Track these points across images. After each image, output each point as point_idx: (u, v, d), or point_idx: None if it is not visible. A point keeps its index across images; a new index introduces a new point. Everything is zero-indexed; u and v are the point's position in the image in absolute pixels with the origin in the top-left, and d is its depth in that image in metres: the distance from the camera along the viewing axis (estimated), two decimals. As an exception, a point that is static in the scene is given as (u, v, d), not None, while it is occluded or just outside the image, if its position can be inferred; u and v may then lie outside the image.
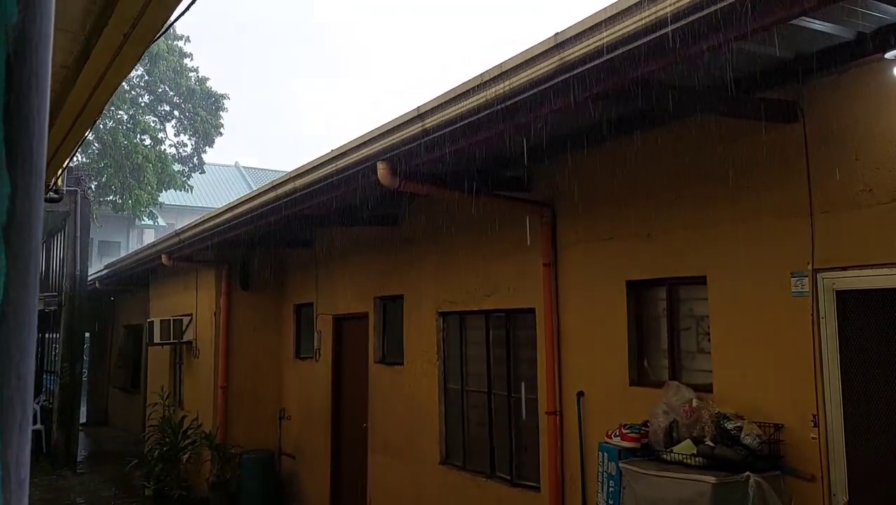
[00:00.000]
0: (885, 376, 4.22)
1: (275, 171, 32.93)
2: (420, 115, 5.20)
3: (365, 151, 5.96)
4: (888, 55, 3.96)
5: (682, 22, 3.33)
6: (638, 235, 5.68)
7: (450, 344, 8.01)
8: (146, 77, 24.23)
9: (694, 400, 4.95)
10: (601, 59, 3.75)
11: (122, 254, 23.47)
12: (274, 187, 7.62)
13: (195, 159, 26.16)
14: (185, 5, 2.67)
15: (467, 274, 7.56)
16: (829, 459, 4.39)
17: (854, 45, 4.08)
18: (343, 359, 10.28)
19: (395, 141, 5.55)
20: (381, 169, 5.77)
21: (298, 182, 7.04)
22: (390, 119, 5.62)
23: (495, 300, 7.18)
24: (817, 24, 3.84)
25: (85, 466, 14.37)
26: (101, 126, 21.62)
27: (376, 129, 5.86)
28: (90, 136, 16.24)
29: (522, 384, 6.94)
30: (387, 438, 8.94)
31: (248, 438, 11.23)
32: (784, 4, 3.06)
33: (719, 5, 3.15)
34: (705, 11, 3.22)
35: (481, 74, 4.59)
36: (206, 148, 26.09)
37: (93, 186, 21.34)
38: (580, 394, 6.13)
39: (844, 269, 4.37)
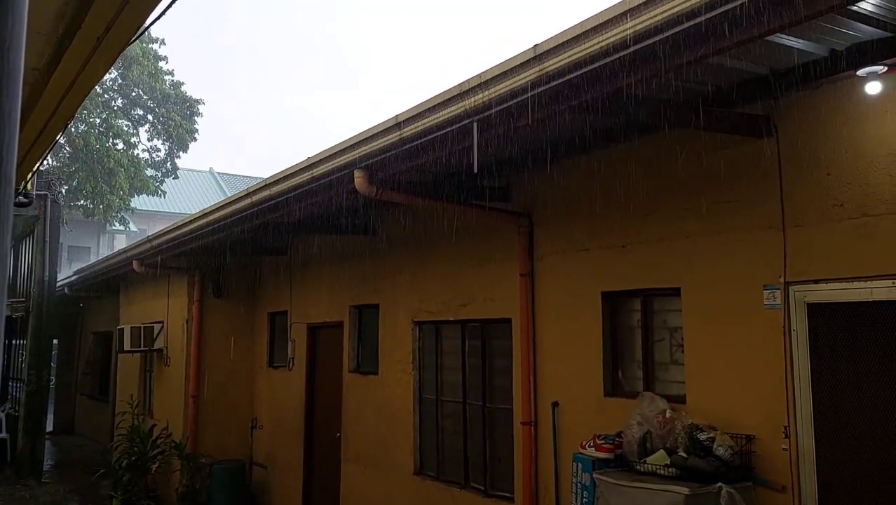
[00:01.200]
0: (855, 389, 4.28)
1: (252, 177, 32.72)
2: (398, 123, 5.19)
3: (342, 159, 5.93)
4: (860, 72, 4.03)
5: (660, 36, 3.36)
6: (614, 247, 5.71)
7: (425, 353, 7.99)
8: (120, 80, 23.99)
9: (667, 411, 4.98)
10: (580, 71, 3.77)
11: (93, 259, 23.16)
12: (249, 194, 7.56)
13: (168, 164, 25.92)
14: (162, 9, 2.64)
15: (443, 283, 7.55)
16: (799, 470, 4.44)
17: (827, 62, 4.14)
18: (317, 368, 10.19)
19: (372, 149, 5.53)
20: (358, 177, 5.74)
21: (274, 189, 6.98)
22: (368, 127, 5.60)
23: (471, 310, 7.17)
24: (791, 41, 3.90)
25: (51, 475, 14.08)
26: (73, 129, 21.33)
27: (354, 136, 5.83)
28: (61, 139, 16.02)
29: (498, 394, 6.93)
30: (360, 447, 8.87)
31: (218, 447, 11.08)
32: (760, 22, 3.10)
33: (696, 21, 3.19)
34: (683, 26, 3.26)
35: (460, 84, 4.59)
36: (180, 153, 25.87)
37: (63, 191, 21.03)
38: (555, 404, 6.14)
39: (816, 282, 4.43)
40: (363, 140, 5.64)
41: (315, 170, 6.32)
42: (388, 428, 8.30)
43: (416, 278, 7.99)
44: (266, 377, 11.34)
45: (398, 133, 5.20)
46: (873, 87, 4.09)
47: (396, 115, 5.25)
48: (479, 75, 4.42)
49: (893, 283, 4.05)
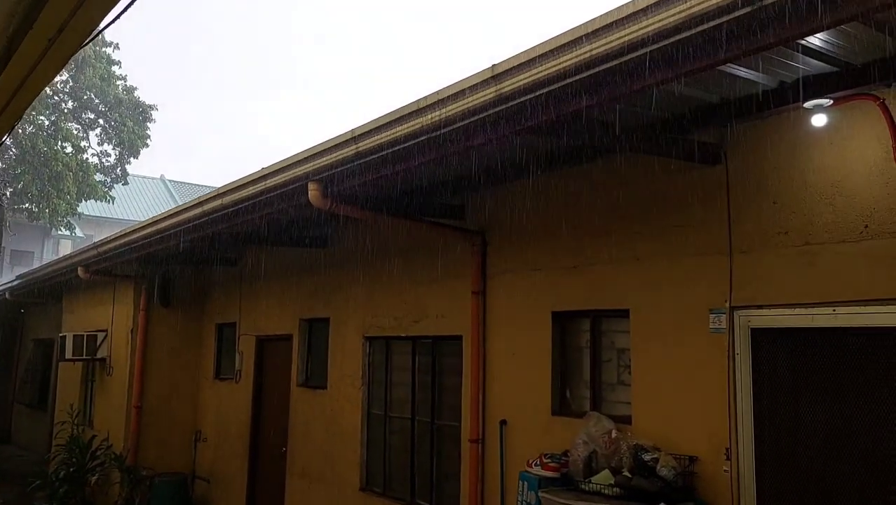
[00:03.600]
0: (795, 413, 4.38)
1: (204, 185, 32.23)
2: (354, 137, 5.17)
3: (296, 171, 5.88)
4: (807, 105, 4.16)
5: (615, 62, 3.42)
6: (565, 267, 5.77)
7: (375, 369, 7.93)
8: (71, 83, 23.43)
9: (613, 431, 5.02)
10: (536, 94, 3.81)
11: (36, 264, 22.47)
12: (200, 203, 7.43)
13: (118, 170, 25.37)
14: (117, 13, 2.58)
15: (396, 299, 7.52)
16: (740, 492, 4.51)
17: (775, 94, 4.27)
18: (265, 381, 10.04)
19: (327, 162, 5.50)
20: (313, 190, 5.70)
21: (226, 199, 6.88)
22: (324, 140, 5.57)
23: (423, 326, 7.15)
24: (742, 72, 4.01)
25: (-18, 487, 13.53)
26: (21, 131, 20.75)
27: (309, 149, 5.79)
28: (8, 140, 15.56)
29: (446, 411, 6.91)
30: (306, 462, 8.75)
31: (160, 460, 10.82)
32: (712, 52, 3.18)
33: (650, 48, 3.25)
34: (637, 53, 3.32)
35: (417, 101, 4.60)
36: (131, 159, 25.34)
37: (8, 193, 20.42)
38: (503, 422, 6.15)
39: (759, 307, 4.53)
40: (318, 153, 5.60)
41: (269, 181, 6.25)
42: (335, 443, 8.20)
43: (368, 293, 7.95)
44: (212, 389, 11.11)
45: (354, 147, 5.19)
46: (819, 120, 4.23)
47: (353, 129, 5.23)
48: (437, 92, 4.43)
49: (834, 310, 4.17)
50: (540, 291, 5.96)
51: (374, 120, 4.99)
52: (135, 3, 2.37)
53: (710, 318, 4.73)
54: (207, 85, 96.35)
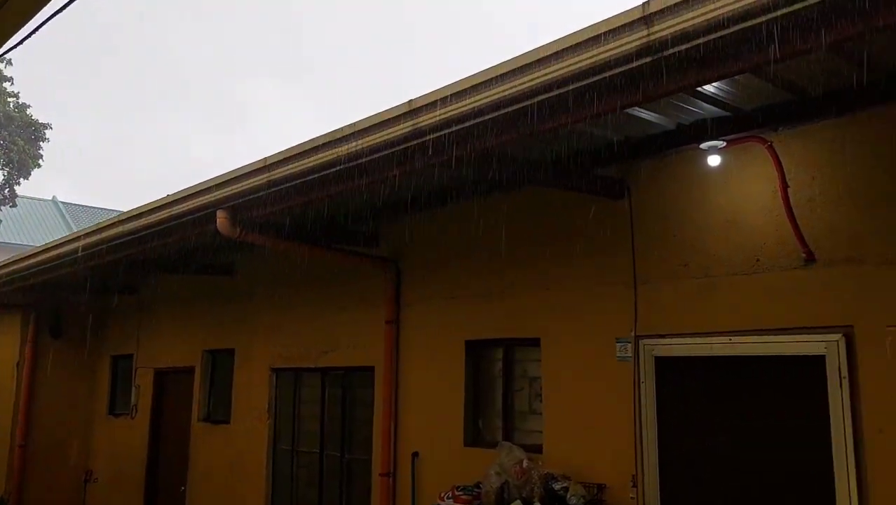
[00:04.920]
0: (697, 440, 4.57)
1: (99, 208, 30.82)
2: (267, 165, 5.10)
3: (205, 198, 5.73)
4: (703, 146, 4.41)
5: (525, 103, 3.54)
6: (479, 296, 5.85)
7: (282, 402, 7.75)
8: (-44, 99, 22.09)
9: (525, 461, 5.08)
10: (451, 129, 3.89)
11: None
12: (99, 230, 7.11)
13: (6, 191, 23.95)
14: (22, 36, 2.47)
15: (307, 329, 7.40)
16: (646, 517, 4.65)
17: (675, 134, 4.52)
18: (163, 416, 9.62)
19: (238, 190, 5.40)
20: (221, 218, 5.57)
21: (128, 226, 6.62)
22: (235, 168, 5.46)
23: (334, 357, 7.06)
24: (644, 114, 4.23)
25: None
26: None
27: (219, 176, 5.67)
28: None
29: (357, 445, 6.82)
30: (207, 501, 8.40)
31: (47, 502, 10.15)
32: (617, 96, 3.33)
33: (557, 92, 3.38)
34: (545, 96, 3.45)
35: (333, 132, 4.60)
36: (21, 179, 24.00)
37: None
38: (415, 454, 6.12)
39: (662, 336, 4.73)
40: (229, 180, 5.49)
41: (175, 208, 6.06)
42: (238, 480, 7.93)
43: (276, 323, 7.79)
44: (105, 426, 10.56)
45: (267, 175, 5.11)
46: (714, 160, 4.49)
47: (265, 158, 5.16)
48: (354, 124, 4.45)
49: (730, 339, 4.40)
50: (454, 319, 6.00)
51: (289, 149, 4.95)
52: (44, 25, 2.28)
53: (617, 346, 4.89)
54: (113, 103, 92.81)
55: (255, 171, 5.22)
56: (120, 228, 6.73)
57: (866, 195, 3.98)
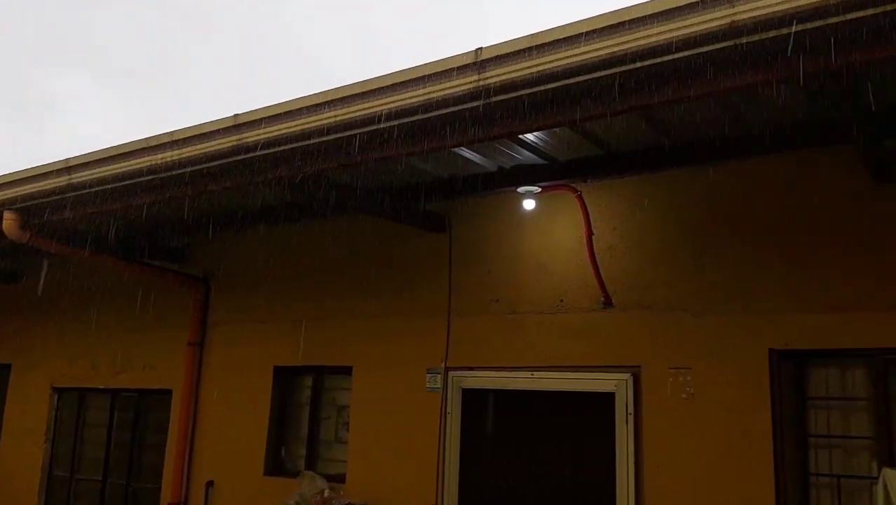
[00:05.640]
0: (497, 470, 4.75)
1: None
2: (68, 167, 4.69)
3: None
4: (519, 189, 4.65)
5: (354, 131, 3.55)
6: (291, 321, 5.71)
7: (63, 424, 7.08)
8: None
9: (326, 490, 5.01)
10: (278, 148, 3.81)
11: None
12: None
13: None
14: None
15: (97, 346, 6.83)
16: (444, 546, 4.73)
17: (496, 176, 4.72)
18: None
19: (32, 191, 4.91)
20: (9, 219, 5.06)
21: None
22: (31, 166, 4.97)
23: (127, 378, 6.57)
24: (468, 154, 4.40)
25: None
26: None
27: (8, 174, 5.13)
28: None
29: (146, 472, 6.36)
30: (-38, 535, 7.44)
31: None
32: (443, 135, 3.43)
33: (386, 124, 3.43)
34: (373, 127, 3.48)
35: (147, 139, 4.34)
36: None
37: None
38: (210, 483, 5.82)
39: (471, 368, 4.88)
40: (21, 179, 4.98)
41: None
42: (4, 511, 7.11)
43: (63, 338, 7.13)
44: None
45: (67, 178, 4.70)
46: (529, 204, 4.74)
47: (67, 159, 4.75)
48: (171, 133, 4.22)
49: (532, 374, 4.63)
50: (264, 344, 5.82)
51: (95, 152, 4.60)
52: None
53: (428, 377, 4.98)
54: None
55: (54, 171, 4.79)
56: None
57: (657, 247, 4.38)
